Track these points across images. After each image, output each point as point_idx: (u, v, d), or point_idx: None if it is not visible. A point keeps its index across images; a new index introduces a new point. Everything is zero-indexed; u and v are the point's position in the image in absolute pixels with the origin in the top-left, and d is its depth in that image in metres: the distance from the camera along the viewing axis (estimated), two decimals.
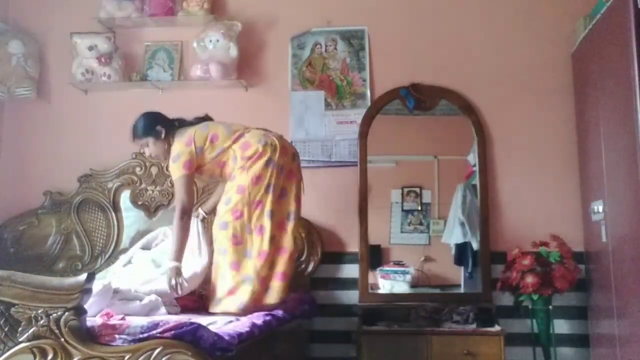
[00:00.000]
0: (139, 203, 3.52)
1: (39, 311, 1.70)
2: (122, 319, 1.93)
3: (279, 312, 2.64)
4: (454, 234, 3.47)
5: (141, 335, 1.73)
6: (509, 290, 3.14)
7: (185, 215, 2.72)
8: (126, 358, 1.70)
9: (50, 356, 1.70)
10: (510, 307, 3.23)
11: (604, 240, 2.96)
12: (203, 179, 3.08)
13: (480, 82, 3.51)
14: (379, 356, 2.92)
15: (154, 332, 1.74)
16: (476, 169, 3.43)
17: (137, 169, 3.55)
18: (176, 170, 2.75)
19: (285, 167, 2.80)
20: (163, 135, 2.85)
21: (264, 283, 2.68)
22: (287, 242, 2.77)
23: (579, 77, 3.35)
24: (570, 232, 3.28)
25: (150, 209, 3.51)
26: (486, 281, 3.29)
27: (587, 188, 3.27)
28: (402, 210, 3.54)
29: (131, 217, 3.51)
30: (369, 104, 3.54)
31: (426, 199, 3.54)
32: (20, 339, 1.71)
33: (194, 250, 2.88)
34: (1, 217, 3.56)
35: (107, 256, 3.45)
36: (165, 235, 3.08)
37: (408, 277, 3.42)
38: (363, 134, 3.46)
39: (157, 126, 2.85)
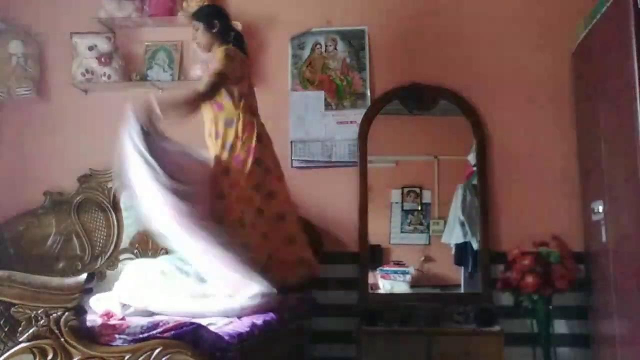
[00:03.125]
0: None
1: (39, 311, 1.70)
2: (122, 319, 1.93)
3: (279, 312, 2.64)
4: (454, 234, 3.47)
5: (141, 335, 1.73)
6: (509, 290, 3.14)
7: (196, 104, 2.63)
8: (126, 358, 1.70)
9: (50, 356, 1.70)
10: (510, 307, 3.23)
11: (604, 240, 2.96)
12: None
13: (480, 83, 3.51)
14: (379, 356, 2.92)
15: (154, 332, 1.74)
16: (476, 169, 3.43)
17: None
18: (220, 64, 2.67)
19: None
20: (215, 30, 2.82)
21: None
22: None
23: (579, 77, 3.35)
24: (570, 232, 3.28)
25: None
26: (486, 281, 3.29)
27: (587, 188, 3.27)
28: (402, 210, 3.54)
29: (131, 217, 3.49)
30: (369, 104, 3.54)
31: (426, 199, 3.55)
32: (20, 339, 1.70)
33: None
34: (1, 217, 3.56)
35: (107, 256, 3.45)
36: None
37: (408, 277, 3.42)
38: (363, 134, 3.46)
39: (215, 19, 2.83)
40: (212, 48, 2.85)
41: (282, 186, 2.88)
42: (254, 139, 2.76)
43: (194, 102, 2.62)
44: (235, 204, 2.67)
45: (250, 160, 2.71)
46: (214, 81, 2.64)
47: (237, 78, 2.73)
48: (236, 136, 2.73)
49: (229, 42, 2.83)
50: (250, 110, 2.80)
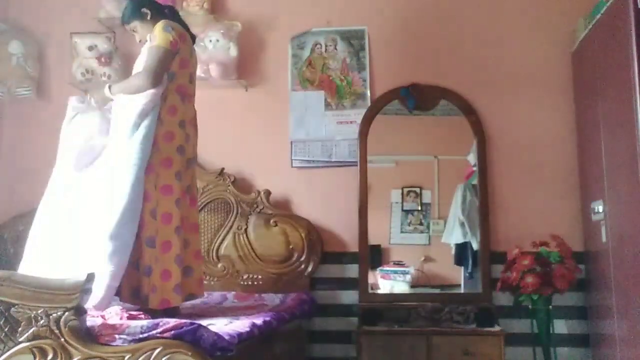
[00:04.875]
0: None
1: (39, 311, 1.70)
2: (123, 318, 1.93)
3: (279, 312, 2.64)
4: (454, 234, 3.47)
5: (141, 335, 1.74)
6: (509, 290, 3.14)
7: (151, 82, 2.46)
8: (126, 358, 1.70)
9: (50, 356, 1.70)
10: (510, 307, 3.23)
11: (604, 240, 2.96)
12: None
13: (480, 82, 3.51)
14: (379, 356, 2.92)
15: (154, 332, 1.74)
16: (476, 169, 3.43)
17: None
18: (161, 39, 2.51)
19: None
20: (149, 17, 2.68)
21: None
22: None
23: (579, 77, 3.35)
24: (570, 232, 3.28)
25: None
26: (486, 281, 3.28)
27: (587, 188, 3.27)
28: (402, 210, 3.54)
29: None
30: (369, 104, 3.54)
31: (426, 199, 3.54)
32: (20, 339, 1.71)
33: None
34: (1, 217, 3.56)
35: None
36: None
37: (408, 277, 3.42)
38: (363, 134, 3.46)
39: (143, 8, 2.70)
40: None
41: (195, 184, 2.75)
42: (176, 123, 2.57)
43: (148, 81, 2.48)
44: (151, 191, 2.47)
45: (168, 145, 2.54)
46: (156, 58, 2.50)
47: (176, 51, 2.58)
48: (157, 118, 2.53)
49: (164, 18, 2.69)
50: (180, 92, 2.61)
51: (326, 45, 3.63)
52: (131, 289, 2.44)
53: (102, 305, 2.23)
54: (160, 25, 2.58)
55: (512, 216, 3.40)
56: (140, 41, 2.76)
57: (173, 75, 2.59)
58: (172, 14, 2.76)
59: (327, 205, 3.49)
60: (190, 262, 2.62)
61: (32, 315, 1.70)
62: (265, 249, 3.40)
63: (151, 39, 2.59)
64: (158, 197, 2.48)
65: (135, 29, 2.74)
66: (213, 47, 3.48)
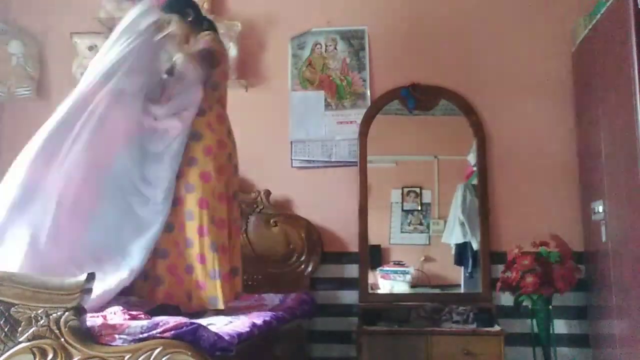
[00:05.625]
0: None
1: (39, 311, 1.70)
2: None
3: (279, 312, 2.64)
4: (454, 234, 3.47)
5: (141, 335, 1.73)
6: (509, 290, 3.14)
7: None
8: (126, 358, 1.70)
9: (50, 356, 1.70)
10: (510, 307, 3.23)
11: (604, 240, 2.96)
12: None
13: (480, 82, 3.51)
14: (379, 356, 2.92)
15: (154, 332, 1.74)
16: (476, 169, 3.43)
17: None
18: (213, 43, 2.63)
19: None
20: (190, 19, 2.67)
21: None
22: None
23: (579, 77, 3.35)
24: (570, 232, 3.28)
25: None
26: (486, 281, 3.29)
27: (587, 188, 3.27)
28: (402, 210, 3.54)
29: None
30: (369, 104, 3.54)
31: (426, 199, 3.55)
32: (20, 339, 1.70)
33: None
34: None
35: None
36: None
37: (408, 277, 3.42)
38: (363, 134, 3.46)
39: (188, 9, 2.70)
40: (189, 38, 2.68)
41: (238, 191, 2.82)
42: (225, 132, 2.65)
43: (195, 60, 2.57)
44: (211, 197, 2.53)
45: (222, 153, 2.60)
46: (210, 55, 2.58)
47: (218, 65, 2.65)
48: (207, 126, 2.59)
49: (205, 29, 2.72)
50: (221, 103, 2.70)
51: (326, 45, 3.63)
52: (187, 294, 2.51)
53: (106, 297, 2.26)
54: (209, 34, 2.67)
55: (512, 216, 3.40)
56: (163, 36, 2.65)
57: (217, 85, 2.68)
58: (210, 27, 2.78)
59: (327, 205, 3.49)
60: (237, 263, 2.71)
61: (32, 315, 1.70)
62: (265, 249, 3.40)
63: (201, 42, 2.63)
64: (215, 205, 2.54)
65: (169, 20, 2.65)
66: None
